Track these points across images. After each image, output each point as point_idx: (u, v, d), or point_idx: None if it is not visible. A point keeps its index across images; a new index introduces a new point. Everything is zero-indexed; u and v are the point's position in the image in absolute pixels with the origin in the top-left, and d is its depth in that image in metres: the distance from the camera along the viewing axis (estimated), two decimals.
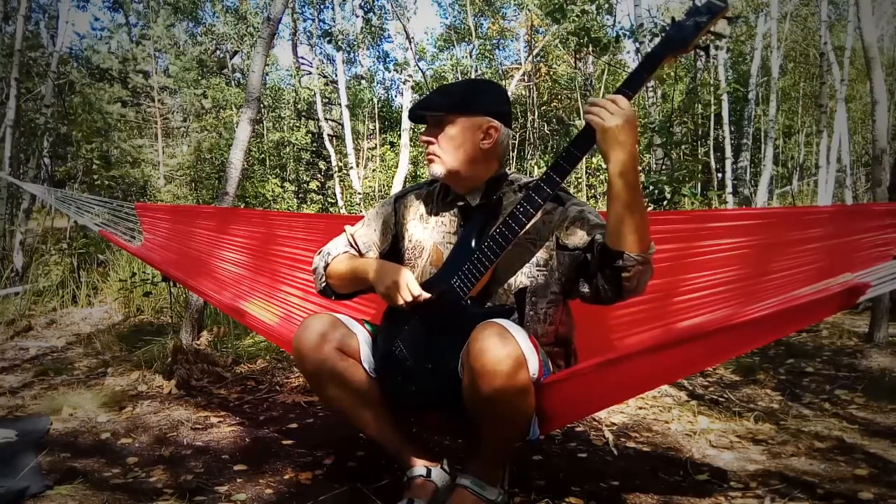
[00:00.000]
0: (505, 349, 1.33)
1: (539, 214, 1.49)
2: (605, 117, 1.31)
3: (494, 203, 1.57)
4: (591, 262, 1.44)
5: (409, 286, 1.49)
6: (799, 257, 1.68)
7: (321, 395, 1.65)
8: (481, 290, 1.52)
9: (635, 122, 1.32)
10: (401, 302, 1.49)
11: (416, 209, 1.70)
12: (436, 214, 1.65)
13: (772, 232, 1.76)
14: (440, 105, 1.55)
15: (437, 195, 1.68)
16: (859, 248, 1.56)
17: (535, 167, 11.37)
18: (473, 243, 1.51)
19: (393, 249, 1.73)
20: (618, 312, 1.92)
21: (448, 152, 1.54)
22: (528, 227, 1.46)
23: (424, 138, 1.57)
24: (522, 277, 1.53)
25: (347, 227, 1.77)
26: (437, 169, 1.55)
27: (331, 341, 1.57)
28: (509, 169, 1.68)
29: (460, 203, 1.62)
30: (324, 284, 1.73)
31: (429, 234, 1.64)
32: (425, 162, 1.60)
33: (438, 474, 1.63)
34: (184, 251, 2.60)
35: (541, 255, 1.54)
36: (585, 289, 1.48)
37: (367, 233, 1.74)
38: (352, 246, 1.74)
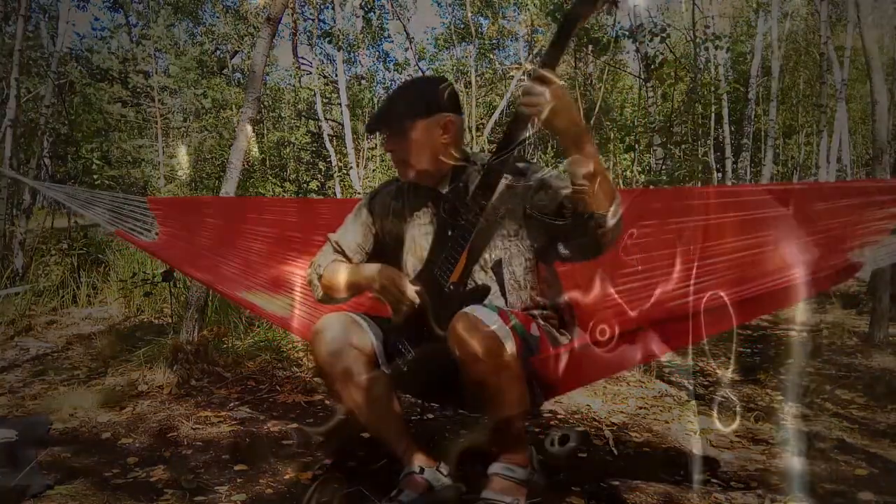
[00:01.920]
0: (478, 334, 1.39)
1: (503, 188, 1.56)
2: (533, 103, 1.35)
3: (461, 188, 1.62)
4: (563, 226, 1.50)
5: (398, 284, 1.56)
6: (799, 231, 1.68)
7: (331, 391, 1.70)
8: (462, 272, 1.58)
9: (561, 91, 1.36)
10: (395, 301, 1.56)
11: (390, 207, 1.75)
12: (410, 209, 1.71)
13: (772, 207, 1.76)
14: (399, 116, 1.60)
15: (408, 190, 1.73)
16: (858, 222, 1.57)
17: None
18: (448, 231, 1.56)
19: (377, 249, 1.78)
20: (610, 286, 1.92)
21: (413, 156, 1.60)
22: (493, 202, 1.53)
23: (388, 148, 1.63)
24: (497, 251, 1.60)
25: (330, 236, 1.81)
26: (408, 173, 1.63)
27: (345, 339, 1.62)
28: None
29: (431, 194, 1.67)
30: (321, 294, 1.78)
31: (406, 228, 1.70)
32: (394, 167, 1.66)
33: (432, 474, 1.64)
34: (201, 242, 2.57)
35: (510, 226, 1.60)
36: (565, 251, 1.55)
37: (349, 238, 1.79)
38: (338, 253, 1.78)
